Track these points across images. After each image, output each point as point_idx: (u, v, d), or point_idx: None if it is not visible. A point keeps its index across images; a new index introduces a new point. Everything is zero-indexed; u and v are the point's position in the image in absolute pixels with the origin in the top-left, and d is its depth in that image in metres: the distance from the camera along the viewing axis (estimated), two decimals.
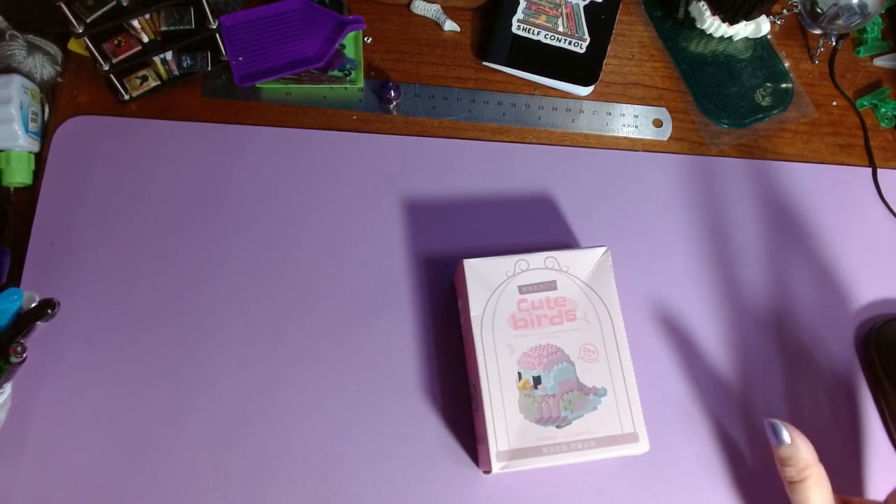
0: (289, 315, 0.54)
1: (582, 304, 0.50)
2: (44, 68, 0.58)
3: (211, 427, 0.51)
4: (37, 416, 0.50)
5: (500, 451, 0.46)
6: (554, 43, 0.62)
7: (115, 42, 0.56)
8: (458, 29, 0.64)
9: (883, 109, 0.64)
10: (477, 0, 0.65)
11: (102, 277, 0.54)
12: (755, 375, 0.55)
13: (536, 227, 0.58)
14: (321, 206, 0.57)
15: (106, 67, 0.56)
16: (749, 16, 0.63)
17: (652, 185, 0.60)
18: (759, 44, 0.66)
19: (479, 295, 0.50)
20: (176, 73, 0.60)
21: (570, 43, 0.63)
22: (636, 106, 0.63)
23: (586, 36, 0.63)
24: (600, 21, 0.63)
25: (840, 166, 0.63)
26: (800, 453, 0.44)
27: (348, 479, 0.50)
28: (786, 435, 0.45)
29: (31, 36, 0.58)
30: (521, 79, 0.63)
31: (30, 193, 0.57)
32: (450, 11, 0.65)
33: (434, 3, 0.65)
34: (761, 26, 0.64)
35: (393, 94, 0.60)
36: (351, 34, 0.61)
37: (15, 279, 0.54)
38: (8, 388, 0.48)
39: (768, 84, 0.64)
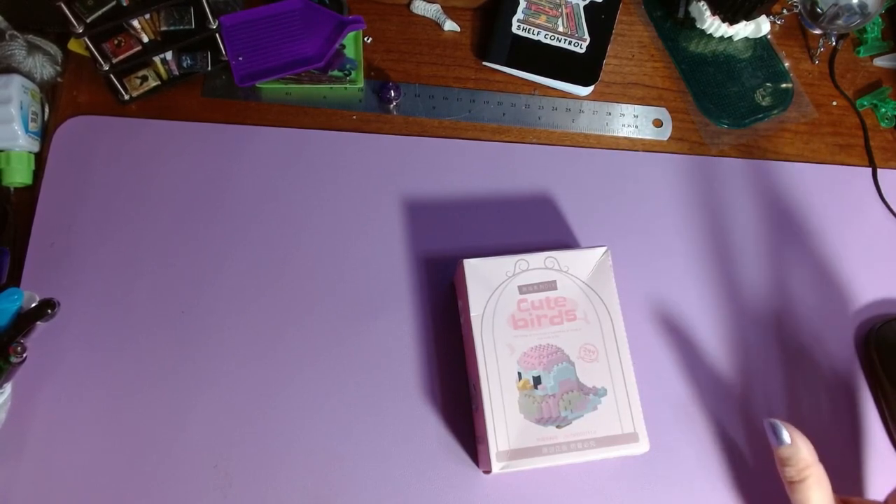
0: (289, 315, 0.54)
1: (582, 304, 0.50)
2: (44, 68, 0.58)
3: (211, 427, 0.51)
4: (37, 416, 0.50)
5: (500, 451, 0.46)
6: (554, 43, 0.62)
7: (115, 42, 0.56)
8: (458, 29, 0.64)
9: (883, 109, 0.64)
10: (477, 0, 0.65)
11: (102, 277, 0.54)
12: (755, 375, 0.55)
13: (536, 227, 0.58)
14: (321, 206, 0.57)
15: (106, 67, 0.56)
16: (749, 16, 0.63)
17: (652, 185, 0.60)
18: (759, 44, 0.66)
19: (479, 295, 0.50)
20: (176, 73, 0.60)
21: (570, 43, 0.63)
22: (636, 106, 0.63)
23: (586, 36, 0.63)
24: (600, 21, 0.63)
25: (840, 166, 0.63)
26: (800, 454, 0.44)
27: (348, 479, 0.50)
28: (786, 435, 0.45)
29: (31, 36, 0.58)
30: (521, 79, 0.63)
31: (30, 193, 0.57)
32: (450, 11, 0.65)
33: (434, 3, 0.65)
34: (761, 26, 0.64)
35: (393, 94, 0.60)
36: (351, 34, 0.61)
37: (15, 279, 0.54)
38: (8, 388, 0.48)
39: (768, 84, 0.64)
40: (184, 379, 0.52)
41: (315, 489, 0.50)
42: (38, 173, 0.57)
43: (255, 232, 0.56)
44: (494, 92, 0.62)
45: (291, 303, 0.54)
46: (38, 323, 0.46)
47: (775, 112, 0.63)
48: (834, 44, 0.66)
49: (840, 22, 0.63)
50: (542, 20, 0.63)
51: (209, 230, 0.56)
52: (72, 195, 0.56)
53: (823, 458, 0.45)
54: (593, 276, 0.51)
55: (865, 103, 0.65)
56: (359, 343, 0.54)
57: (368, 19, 0.63)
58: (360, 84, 0.61)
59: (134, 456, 0.50)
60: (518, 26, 0.63)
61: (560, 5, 0.63)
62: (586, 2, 0.63)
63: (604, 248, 0.52)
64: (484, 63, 0.63)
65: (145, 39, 0.56)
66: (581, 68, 0.62)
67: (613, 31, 0.64)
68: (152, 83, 0.59)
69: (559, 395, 0.48)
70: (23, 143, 0.55)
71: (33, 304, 0.47)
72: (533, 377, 0.48)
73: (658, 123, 0.63)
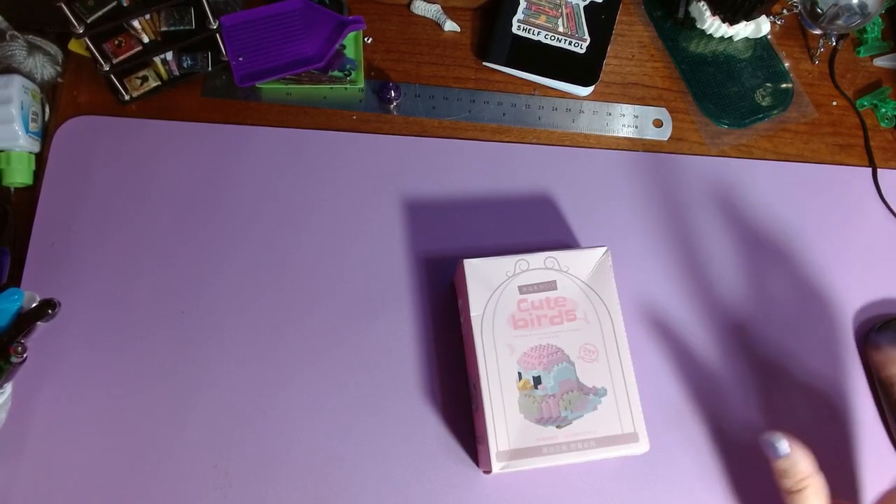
0: (289, 315, 0.54)
1: (582, 304, 0.50)
2: (44, 68, 0.58)
3: (211, 427, 0.51)
4: (37, 416, 0.50)
5: (500, 451, 0.46)
6: (554, 43, 0.62)
7: (116, 42, 0.56)
8: (458, 29, 0.64)
9: (883, 109, 0.64)
10: (477, 0, 0.65)
11: (102, 277, 0.54)
12: (755, 375, 0.55)
13: (536, 227, 0.58)
14: (321, 206, 0.57)
15: (106, 68, 0.56)
16: (749, 16, 0.63)
17: (652, 185, 0.60)
18: (759, 44, 0.66)
19: (480, 295, 0.50)
20: (176, 73, 0.60)
21: (570, 43, 0.63)
22: (636, 106, 0.63)
23: (586, 36, 0.63)
24: (600, 21, 0.63)
25: (840, 166, 0.63)
26: (797, 466, 0.44)
27: (348, 479, 0.50)
28: (782, 448, 0.45)
29: (31, 36, 0.58)
30: (521, 79, 0.63)
31: (30, 193, 0.57)
32: (450, 11, 0.65)
33: (434, 3, 0.65)
34: (761, 26, 0.64)
35: (393, 94, 0.60)
36: (351, 34, 0.61)
37: (15, 279, 0.54)
38: (8, 388, 0.48)
39: (768, 84, 0.64)
40: (184, 379, 0.52)
41: (315, 489, 0.50)
42: (38, 173, 0.57)
43: (255, 232, 0.56)
44: (494, 92, 0.62)
45: (291, 303, 0.54)
46: (39, 323, 0.46)
47: (775, 112, 0.63)
48: (834, 44, 0.66)
49: (840, 22, 0.63)
50: (542, 20, 0.63)
51: (209, 230, 0.56)
52: (72, 195, 0.56)
53: (823, 459, 0.45)
54: (593, 276, 0.51)
55: (865, 103, 0.65)
56: (359, 343, 0.54)
57: (368, 19, 0.63)
58: (360, 84, 0.61)
59: (134, 456, 0.50)
60: (518, 26, 0.63)
61: (560, 5, 0.63)
62: (586, 2, 0.63)
63: (604, 248, 0.52)
64: (484, 63, 0.63)
65: (146, 40, 0.57)
66: (581, 68, 0.62)
67: (613, 32, 0.64)
68: (152, 83, 0.59)
69: (559, 395, 0.48)
70: (23, 143, 0.55)
71: (34, 304, 0.47)
72: (533, 377, 0.48)
73: (658, 123, 0.63)
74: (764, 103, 0.64)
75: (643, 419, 0.48)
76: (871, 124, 0.65)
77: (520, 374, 0.48)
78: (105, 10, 0.53)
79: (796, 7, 0.66)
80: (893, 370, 0.47)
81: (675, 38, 0.66)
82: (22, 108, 0.55)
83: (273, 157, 0.59)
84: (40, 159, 0.57)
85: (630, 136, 0.62)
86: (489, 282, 0.50)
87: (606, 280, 0.51)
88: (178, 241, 0.56)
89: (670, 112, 0.63)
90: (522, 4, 0.63)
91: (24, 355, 0.45)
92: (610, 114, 0.63)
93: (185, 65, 0.59)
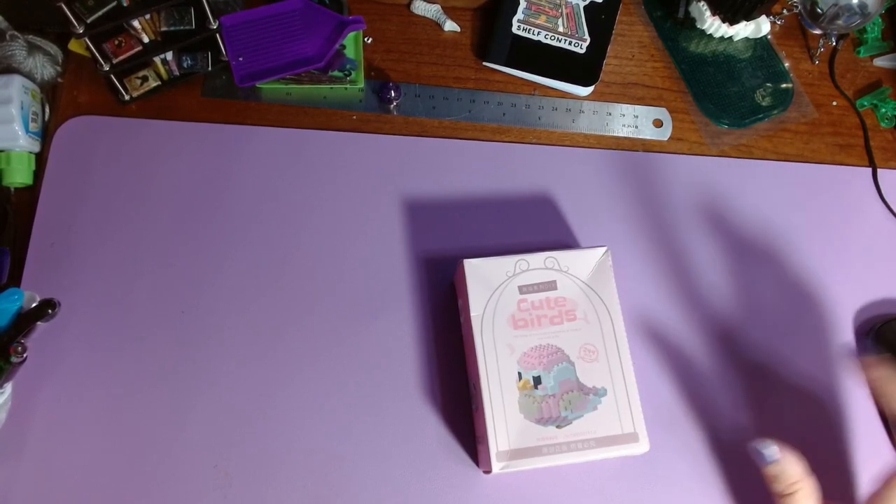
0: (289, 315, 0.54)
1: (582, 304, 0.50)
2: (44, 68, 0.58)
3: (211, 427, 0.51)
4: (37, 416, 0.50)
5: (500, 451, 0.46)
6: (554, 43, 0.62)
7: (116, 42, 0.56)
8: (458, 29, 0.64)
9: (883, 109, 0.64)
10: (477, 0, 0.65)
11: (102, 277, 0.54)
12: (755, 375, 0.55)
13: (536, 227, 0.58)
14: (321, 206, 0.57)
15: (106, 68, 0.56)
16: (749, 16, 0.63)
17: (652, 185, 0.60)
18: (759, 44, 0.66)
19: (480, 295, 0.50)
20: (176, 73, 0.60)
21: (570, 43, 0.63)
22: (636, 106, 0.63)
23: (586, 36, 0.63)
24: (600, 21, 0.63)
25: (840, 166, 0.63)
26: (787, 472, 0.44)
27: (348, 479, 0.50)
28: (770, 454, 0.45)
29: (31, 36, 0.58)
30: (521, 79, 0.63)
31: (30, 193, 0.57)
32: (450, 11, 0.65)
33: (434, 3, 0.65)
34: (761, 26, 0.64)
35: (393, 94, 0.60)
36: (351, 34, 0.61)
37: (15, 279, 0.54)
38: (8, 388, 0.48)
39: (768, 84, 0.64)
40: (184, 379, 0.52)
41: (315, 489, 0.50)
42: (38, 173, 0.57)
43: (255, 232, 0.56)
44: (494, 92, 0.62)
45: (291, 303, 0.54)
46: (39, 323, 0.46)
47: (775, 112, 0.63)
48: (834, 44, 0.66)
49: (840, 22, 0.63)
50: (542, 20, 0.63)
51: (209, 230, 0.56)
52: (72, 195, 0.56)
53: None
54: (593, 277, 0.51)
55: (865, 103, 0.65)
56: (359, 343, 0.54)
57: (368, 19, 0.63)
58: (360, 84, 0.61)
59: (134, 456, 0.50)
60: (518, 26, 0.63)
61: (560, 5, 0.63)
62: (586, 2, 0.63)
63: (604, 249, 0.52)
64: (484, 63, 0.63)
65: (146, 40, 0.57)
66: (581, 68, 0.62)
67: (613, 32, 0.64)
68: (152, 83, 0.59)
69: (559, 395, 0.48)
70: (23, 143, 0.55)
71: (34, 304, 0.47)
72: (533, 377, 0.48)
73: (658, 123, 0.63)
74: (764, 103, 0.64)
75: (643, 419, 0.48)
76: (871, 124, 0.65)
77: (520, 374, 0.48)
78: (105, 10, 0.53)
79: (796, 7, 0.66)
80: (872, 375, 0.48)
81: (675, 38, 0.66)
82: (22, 108, 0.55)
83: (273, 157, 0.59)
84: (40, 159, 0.57)
85: (630, 136, 0.62)
86: (489, 282, 0.50)
87: (606, 280, 0.51)
88: (178, 241, 0.56)
89: (670, 112, 0.63)
90: (522, 4, 0.63)
91: (24, 355, 0.45)
92: (610, 114, 0.63)
93: (185, 65, 0.59)
